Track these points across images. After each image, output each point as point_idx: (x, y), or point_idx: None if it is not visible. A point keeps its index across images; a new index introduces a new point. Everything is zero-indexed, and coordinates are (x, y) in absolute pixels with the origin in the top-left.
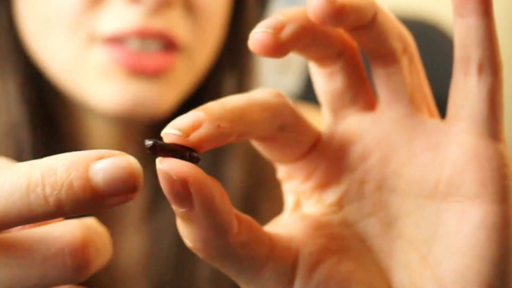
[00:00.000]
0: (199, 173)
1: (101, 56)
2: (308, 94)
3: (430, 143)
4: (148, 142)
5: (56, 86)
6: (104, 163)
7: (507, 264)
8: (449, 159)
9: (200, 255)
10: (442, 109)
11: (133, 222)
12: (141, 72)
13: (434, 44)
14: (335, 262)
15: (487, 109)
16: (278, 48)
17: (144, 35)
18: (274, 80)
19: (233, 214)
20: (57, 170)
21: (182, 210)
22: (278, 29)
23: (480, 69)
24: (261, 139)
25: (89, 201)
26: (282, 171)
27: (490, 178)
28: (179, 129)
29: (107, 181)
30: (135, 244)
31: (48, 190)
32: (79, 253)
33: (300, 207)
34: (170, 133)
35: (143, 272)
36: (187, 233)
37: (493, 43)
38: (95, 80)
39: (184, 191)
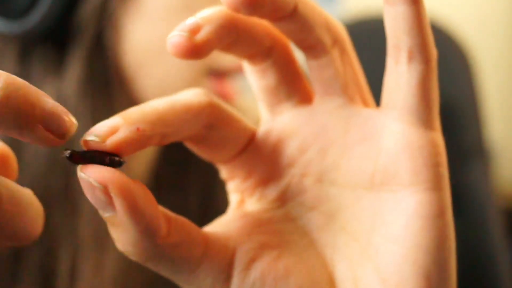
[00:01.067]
0: (119, 177)
1: (207, 85)
2: None
3: (365, 133)
4: (66, 152)
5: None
6: None
7: (444, 252)
8: (383, 149)
9: (132, 258)
10: (443, 110)
11: None
12: (225, 98)
13: (438, 46)
14: (273, 258)
15: (418, 97)
16: (194, 51)
17: (239, 71)
18: None
19: (160, 216)
20: None
21: (107, 215)
22: (194, 31)
23: (410, 57)
24: (190, 140)
25: None
26: (223, 171)
27: (423, 166)
28: (96, 135)
29: None
30: None
31: None
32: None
33: (244, 205)
34: (88, 140)
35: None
36: (116, 237)
37: (423, 30)
38: None
39: (105, 196)
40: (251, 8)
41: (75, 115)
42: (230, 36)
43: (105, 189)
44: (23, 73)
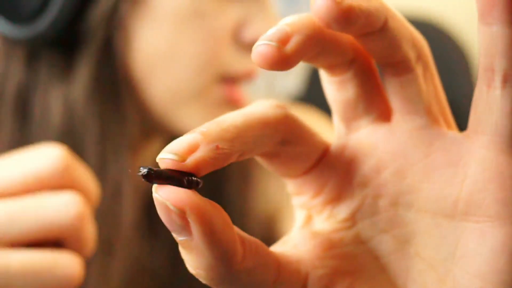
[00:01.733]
0: (197, 201)
1: (218, 91)
2: (308, 95)
3: (449, 158)
4: (143, 170)
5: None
6: None
7: None
8: (469, 176)
9: (203, 281)
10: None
11: (132, 226)
12: (236, 104)
13: (438, 46)
14: (347, 286)
15: (511, 123)
16: (283, 62)
17: (250, 78)
18: (274, 81)
19: (237, 241)
20: None
21: (181, 238)
22: (283, 41)
23: (505, 81)
24: (264, 155)
25: None
26: (290, 185)
27: None
28: (175, 153)
29: None
30: (135, 247)
31: None
32: None
33: (311, 223)
34: (165, 158)
35: (144, 272)
36: (188, 260)
37: None
38: (200, 109)
39: (182, 220)
40: (343, 25)
41: (83, 120)
42: (317, 47)
43: (182, 213)
44: (31, 78)
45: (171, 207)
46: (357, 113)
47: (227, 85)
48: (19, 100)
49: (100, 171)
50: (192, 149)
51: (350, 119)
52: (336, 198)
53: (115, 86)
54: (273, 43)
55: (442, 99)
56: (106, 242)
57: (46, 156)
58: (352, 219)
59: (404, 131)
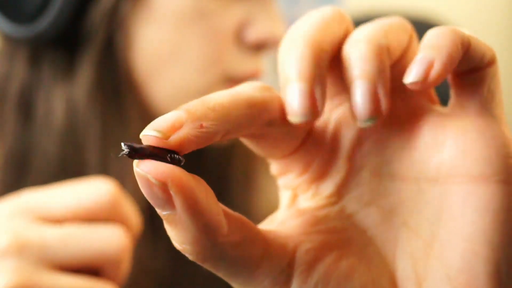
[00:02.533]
0: (179, 174)
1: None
2: None
3: (430, 123)
4: (125, 146)
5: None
6: None
7: None
8: (451, 139)
9: (190, 257)
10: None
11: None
12: None
13: None
14: (335, 259)
15: (487, 91)
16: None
17: (255, 77)
18: (273, 79)
19: (221, 214)
20: None
21: (165, 213)
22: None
23: (491, 63)
24: (250, 136)
25: None
26: (275, 166)
27: (496, 156)
28: (159, 131)
29: None
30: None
31: None
32: None
33: (297, 202)
34: (148, 135)
35: (145, 271)
36: (174, 235)
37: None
38: None
39: (164, 193)
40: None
41: (85, 120)
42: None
43: (163, 186)
44: (34, 77)
45: (153, 180)
46: (338, 89)
47: (231, 86)
48: (22, 100)
49: (102, 171)
50: (176, 127)
51: (334, 95)
52: (321, 175)
53: (117, 86)
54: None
55: None
56: None
57: (98, 189)
58: (337, 194)
59: None
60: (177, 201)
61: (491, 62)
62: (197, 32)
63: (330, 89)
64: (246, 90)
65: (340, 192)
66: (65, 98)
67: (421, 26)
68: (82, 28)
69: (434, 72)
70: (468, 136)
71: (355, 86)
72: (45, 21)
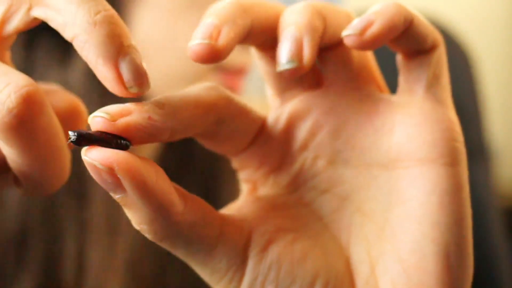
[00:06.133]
0: (125, 157)
1: (214, 80)
2: None
3: (378, 110)
4: (72, 135)
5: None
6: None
7: (462, 230)
8: (398, 124)
9: (148, 237)
10: None
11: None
12: (232, 92)
13: None
14: (290, 241)
15: (432, 75)
16: (217, 55)
17: (244, 68)
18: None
19: (173, 193)
20: None
21: (118, 196)
22: (215, 37)
23: (434, 47)
24: (202, 136)
25: None
26: (235, 161)
27: (440, 140)
28: (107, 113)
29: None
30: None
31: None
32: None
33: (256, 193)
34: (97, 116)
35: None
36: (131, 216)
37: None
38: None
39: (112, 178)
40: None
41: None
42: (246, 34)
43: (111, 171)
44: (30, 61)
45: (100, 166)
46: (289, 83)
47: (223, 74)
48: None
49: None
50: (124, 113)
51: (283, 90)
52: (278, 166)
53: None
54: (206, 41)
55: (374, 68)
56: (110, 222)
57: None
58: (294, 184)
59: (335, 92)
60: (126, 184)
61: (435, 45)
62: (190, 21)
63: (280, 84)
64: (194, 91)
65: (297, 182)
66: (61, 83)
67: None
68: None
69: (371, 30)
70: (414, 120)
71: (283, 32)
72: None
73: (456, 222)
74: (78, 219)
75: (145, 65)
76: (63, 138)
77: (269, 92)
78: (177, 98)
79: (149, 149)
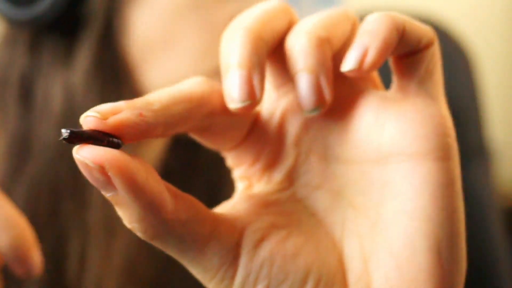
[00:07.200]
0: (116, 155)
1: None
2: None
3: (371, 105)
4: (64, 131)
5: None
6: None
7: (454, 225)
8: (390, 119)
9: (140, 235)
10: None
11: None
12: None
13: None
14: (282, 238)
15: (425, 72)
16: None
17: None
18: None
19: (163, 191)
20: None
21: (109, 194)
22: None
23: (429, 46)
24: (195, 130)
25: None
26: (229, 158)
27: (432, 134)
28: (97, 112)
29: None
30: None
31: None
32: None
33: (251, 190)
34: (88, 116)
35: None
36: (122, 215)
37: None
38: None
39: (103, 176)
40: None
41: (82, 105)
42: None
43: (101, 169)
44: (35, 64)
45: (91, 164)
46: (285, 78)
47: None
48: (22, 86)
49: None
50: (115, 111)
51: (279, 86)
52: (273, 162)
53: (114, 71)
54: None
55: None
56: (108, 222)
57: None
58: (289, 180)
59: None
60: (116, 182)
61: (429, 44)
62: (192, 23)
63: (276, 79)
64: (185, 86)
65: (290, 178)
66: (64, 83)
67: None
68: (81, 13)
69: (369, 59)
70: (406, 116)
71: (298, 79)
72: (44, 3)
73: (447, 217)
74: (80, 221)
75: None
76: None
77: (266, 86)
78: (169, 93)
79: (154, 151)
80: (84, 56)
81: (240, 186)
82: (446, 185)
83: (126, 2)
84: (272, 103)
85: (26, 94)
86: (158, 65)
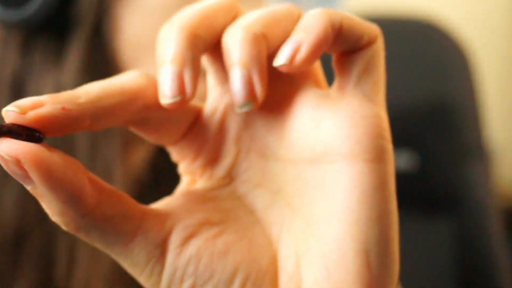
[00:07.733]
0: (31, 149)
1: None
2: None
3: (309, 104)
4: None
5: None
6: None
7: (384, 228)
8: (326, 119)
9: (63, 227)
10: (443, 110)
11: None
12: None
13: (433, 43)
14: (213, 235)
15: (363, 71)
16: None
17: None
18: None
19: (84, 185)
20: None
21: (28, 187)
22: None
23: (371, 43)
24: (133, 124)
25: None
26: (172, 153)
27: (364, 135)
28: (18, 106)
29: None
30: None
31: None
32: None
33: (194, 185)
34: (9, 110)
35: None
36: (45, 208)
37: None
38: None
39: (20, 169)
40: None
41: None
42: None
43: (17, 163)
44: (26, 64)
45: (7, 158)
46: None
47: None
48: (14, 86)
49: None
50: (36, 106)
51: (224, 81)
52: (214, 158)
53: (104, 71)
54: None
55: (315, 64)
56: None
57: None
58: (229, 176)
59: (271, 86)
60: (33, 176)
61: (371, 42)
62: None
63: (220, 75)
64: (120, 79)
65: (231, 175)
66: (55, 83)
67: (420, 26)
68: (71, 14)
69: (300, 55)
70: (340, 115)
71: (231, 73)
72: (35, 5)
73: (377, 220)
74: None
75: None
76: None
77: (210, 81)
78: (97, 86)
79: (143, 152)
80: (74, 56)
81: (184, 181)
82: (377, 188)
83: (115, 2)
84: (216, 99)
85: (17, 94)
86: (148, 65)
